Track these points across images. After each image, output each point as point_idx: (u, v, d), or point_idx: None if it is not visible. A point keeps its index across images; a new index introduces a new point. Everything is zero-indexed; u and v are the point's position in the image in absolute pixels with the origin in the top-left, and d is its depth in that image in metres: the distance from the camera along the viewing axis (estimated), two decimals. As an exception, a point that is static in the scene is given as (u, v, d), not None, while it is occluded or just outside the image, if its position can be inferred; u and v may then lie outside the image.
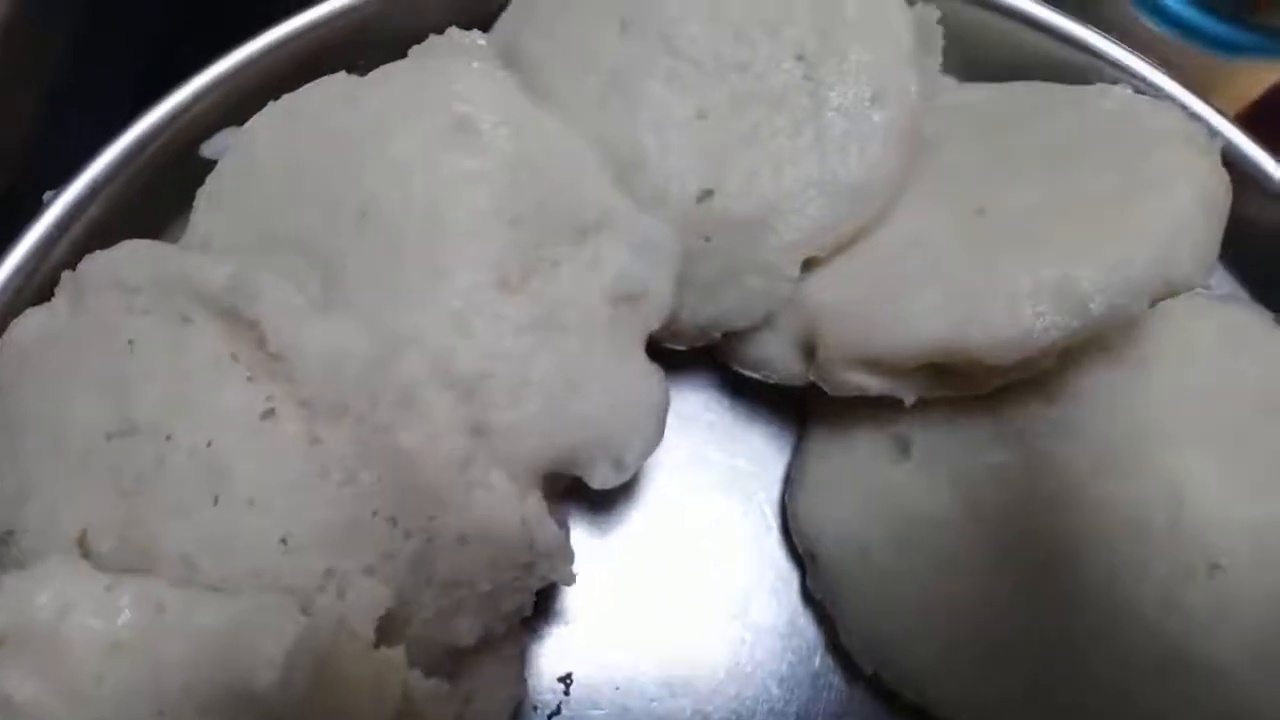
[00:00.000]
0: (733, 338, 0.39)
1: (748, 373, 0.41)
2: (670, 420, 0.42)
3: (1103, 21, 0.74)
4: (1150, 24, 0.73)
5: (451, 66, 0.36)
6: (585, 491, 0.41)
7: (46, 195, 0.37)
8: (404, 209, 0.34)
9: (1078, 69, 0.42)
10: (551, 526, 0.33)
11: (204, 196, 0.36)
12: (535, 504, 0.33)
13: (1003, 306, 0.34)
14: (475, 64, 0.36)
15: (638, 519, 0.42)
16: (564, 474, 0.35)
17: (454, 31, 0.38)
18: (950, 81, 0.44)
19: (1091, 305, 0.33)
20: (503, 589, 0.32)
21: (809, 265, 0.37)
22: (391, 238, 0.34)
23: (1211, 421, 0.36)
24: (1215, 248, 0.35)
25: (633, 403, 0.35)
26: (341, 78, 0.37)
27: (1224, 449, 0.36)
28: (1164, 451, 0.35)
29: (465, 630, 0.32)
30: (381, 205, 0.34)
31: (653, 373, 0.36)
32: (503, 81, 0.36)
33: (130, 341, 0.31)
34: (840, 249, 0.37)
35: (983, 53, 0.44)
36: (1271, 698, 0.34)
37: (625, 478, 0.35)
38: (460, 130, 0.35)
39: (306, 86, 0.37)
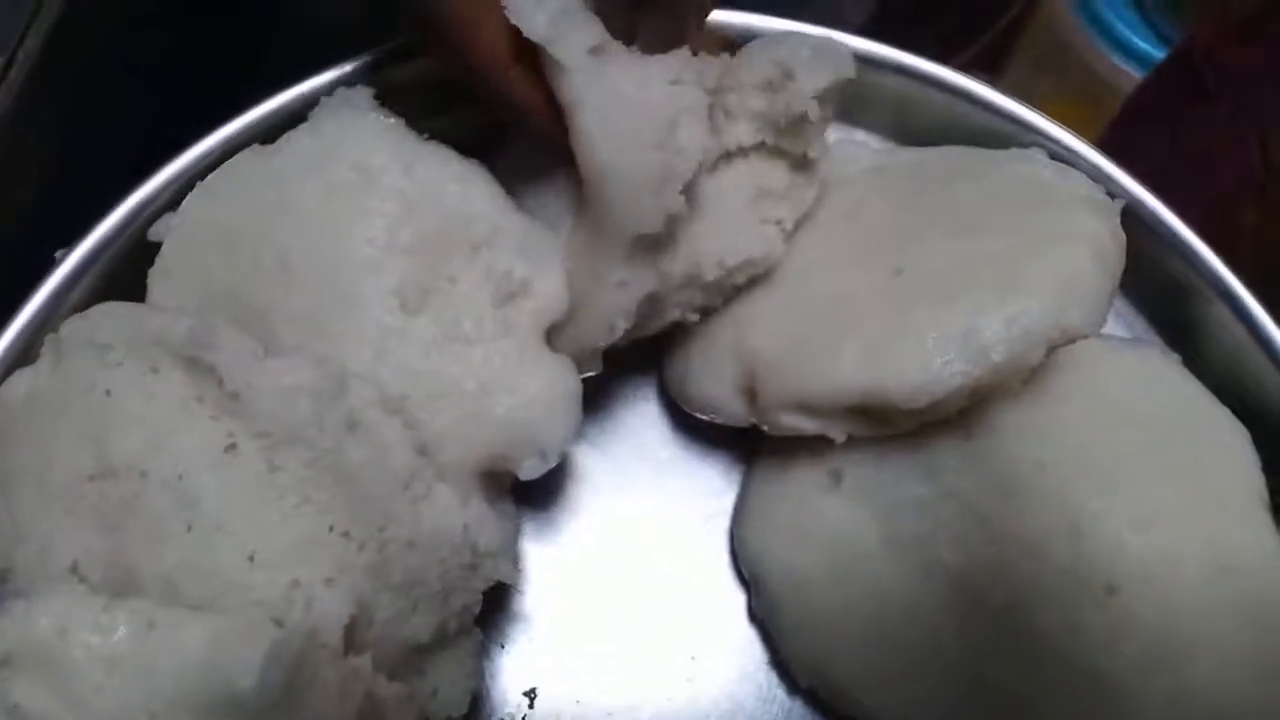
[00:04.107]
0: (684, 385, 0.44)
1: (699, 416, 0.45)
2: (630, 455, 0.47)
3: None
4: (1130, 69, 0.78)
5: (344, 120, 0.40)
6: (553, 521, 0.46)
7: (59, 253, 0.41)
8: (314, 254, 0.38)
9: (1000, 132, 0.46)
10: (492, 531, 0.37)
11: (154, 275, 0.40)
12: (476, 511, 0.37)
13: (914, 356, 0.38)
14: (367, 114, 0.40)
15: (600, 547, 0.45)
16: (498, 471, 0.38)
17: (342, 90, 0.42)
18: (885, 145, 0.49)
19: (993, 354, 0.37)
20: (452, 589, 0.36)
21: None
22: (308, 281, 0.38)
23: (1112, 457, 0.39)
24: (1109, 300, 0.39)
25: (543, 396, 0.38)
26: (253, 149, 0.41)
27: (1121, 484, 0.39)
28: (1066, 485, 0.38)
29: (421, 627, 0.35)
30: (295, 254, 0.38)
31: (558, 364, 0.39)
32: (392, 125, 0.40)
33: (107, 392, 0.35)
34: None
35: (914, 119, 0.48)
36: (1161, 711, 0.37)
37: (552, 465, 0.38)
38: (355, 175, 0.39)
39: (224, 164, 0.41)
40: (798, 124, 0.42)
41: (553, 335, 0.40)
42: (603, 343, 0.40)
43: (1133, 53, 0.78)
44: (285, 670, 0.31)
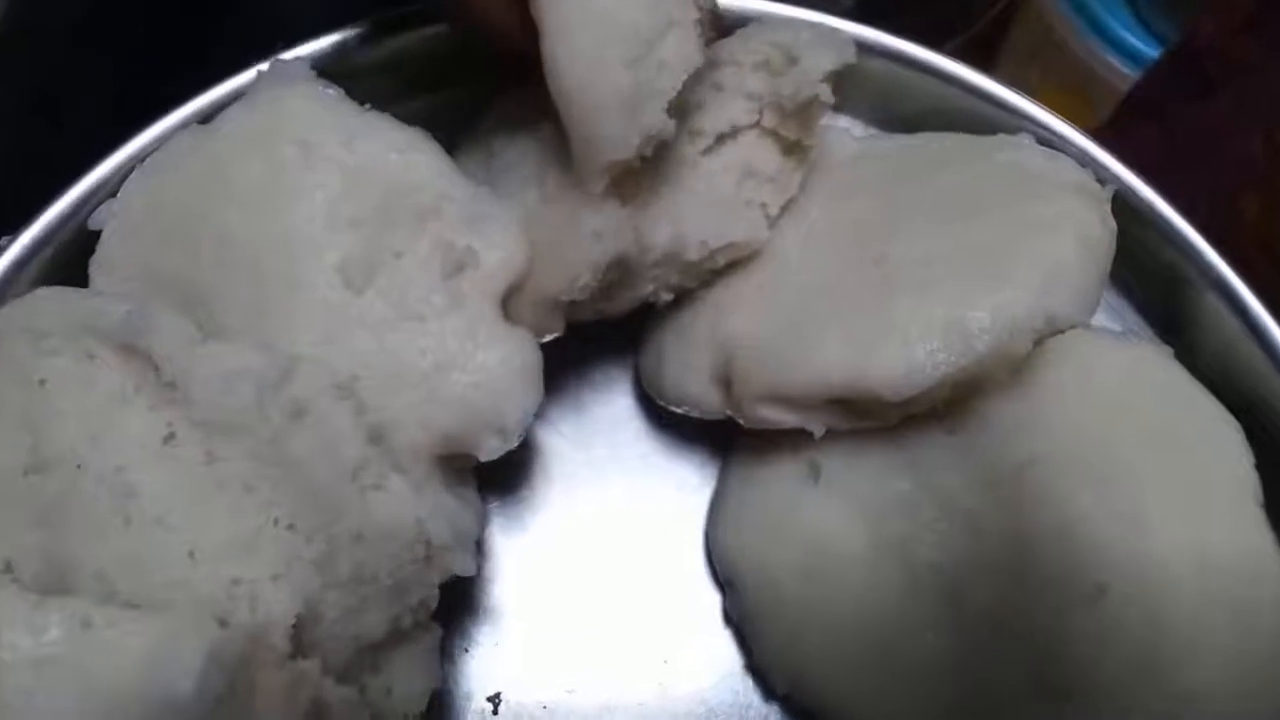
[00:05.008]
0: (659, 377, 0.42)
1: (674, 409, 0.43)
2: (604, 451, 0.45)
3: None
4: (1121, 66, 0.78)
5: (282, 93, 0.39)
6: (523, 518, 0.44)
7: (2, 240, 0.40)
8: (252, 233, 0.37)
9: (987, 119, 0.45)
10: (447, 521, 0.35)
11: (94, 264, 0.38)
12: (432, 500, 0.35)
13: (896, 346, 0.36)
14: (305, 86, 0.39)
15: (572, 545, 0.44)
16: (458, 454, 0.37)
17: (278, 62, 0.41)
18: (870, 131, 0.48)
19: (977, 343, 0.36)
20: (406, 583, 0.34)
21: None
22: (248, 262, 0.36)
23: (1103, 454, 0.38)
24: (1098, 289, 0.38)
25: (501, 371, 0.36)
26: (191, 129, 0.40)
27: (1112, 482, 0.37)
28: (1054, 482, 0.37)
29: (373, 624, 0.34)
30: (233, 233, 0.37)
31: (515, 337, 0.37)
32: (332, 97, 0.39)
33: (42, 381, 0.33)
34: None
35: (900, 104, 0.47)
36: (1151, 715, 0.35)
37: (512, 444, 0.37)
38: (294, 150, 0.37)
39: (162, 146, 0.39)
40: (805, 108, 0.41)
41: (512, 295, 0.38)
42: (565, 296, 0.38)
43: (1123, 48, 0.77)
44: (226, 673, 0.29)
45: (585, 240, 0.37)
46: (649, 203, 0.40)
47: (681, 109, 0.40)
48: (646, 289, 0.41)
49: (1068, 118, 0.45)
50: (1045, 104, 0.46)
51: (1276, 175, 0.53)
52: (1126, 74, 0.74)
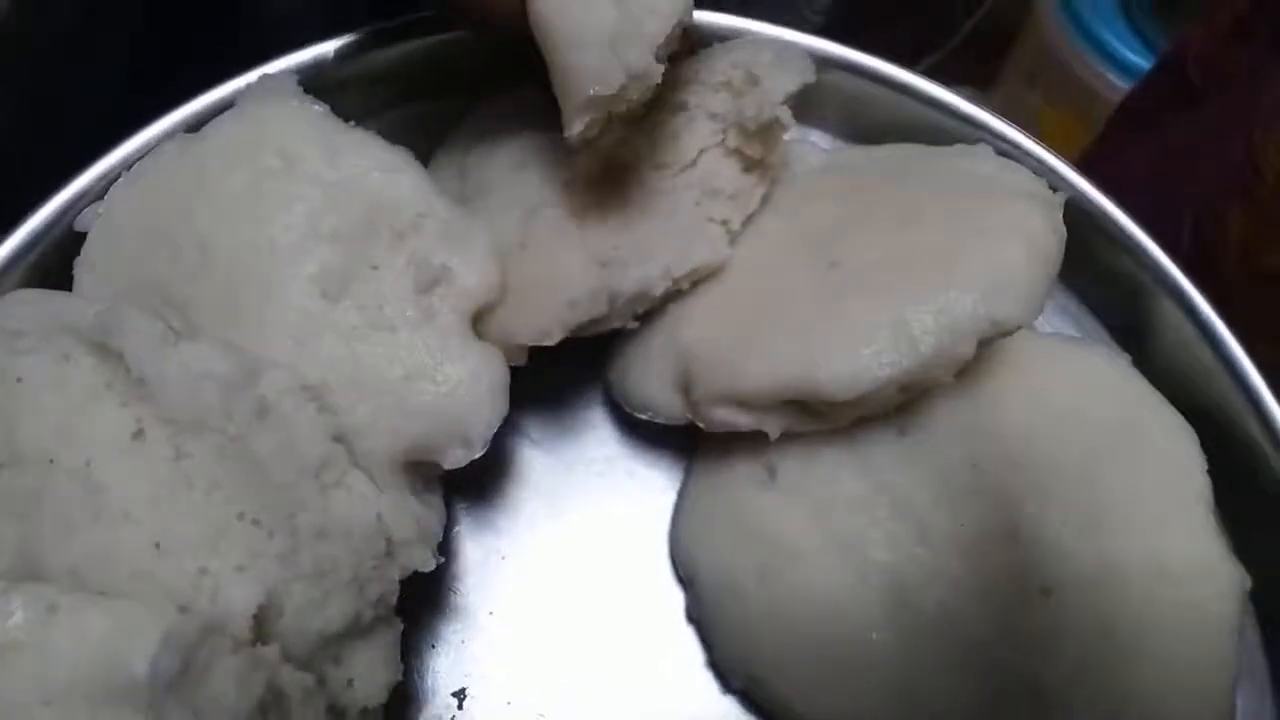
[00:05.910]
0: (623, 384, 0.43)
1: (639, 415, 0.44)
2: (572, 454, 0.46)
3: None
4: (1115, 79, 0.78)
5: (269, 107, 0.40)
6: (491, 519, 0.45)
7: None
8: (234, 241, 0.38)
9: (950, 131, 0.46)
10: (409, 519, 0.36)
11: (79, 266, 0.40)
12: (393, 499, 0.37)
13: (843, 348, 0.37)
14: (292, 101, 0.40)
15: (539, 546, 0.45)
16: (423, 461, 0.38)
17: (266, 76, 0.42)
18: (836, 144, 0.49)
19: (921, 345, 0.36)
20: (367, 578, 0.35)
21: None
22: (226, 268, 0.38)
23: (1052, 458, 0.38)
24: (1043, 293, 0.38)
25: (467, 384, 0.37)
26: (179, 136, 0.41)
27: (1061, 486, 0.38)
28: (1002, 487, 0.38)
29: (334, 617, 0.35)
30: (215, 240, 0.38)
31: (484, 353, 0.38)
32: (318, 113, 0.40)
33: (18, 379, 0.34)
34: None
35: (865, 118, 0.48)
36: (1096, 717, 0.36)
37: (476, 454, 0.38)
38: (278, 162, 0.39)
39: (149, 153, 0.41)
40: (767, 128, 0.42)
41: (483, 322, 0.39)
42: (531, 343, 0.39)
43: (1122, 64, 0.77)
44: (180, 656, 0.30)
45: (559, 306, 0.39)
46: (616, 233, 0.41)
47: (649, 134, 0.41)
48: (613, 325, 0.42)
49: (1071, 135, 0.46)
50: (1048, 123, 0.46)
51: (1257, 187, 0.53)
52: (1124, 89, 0.74)
